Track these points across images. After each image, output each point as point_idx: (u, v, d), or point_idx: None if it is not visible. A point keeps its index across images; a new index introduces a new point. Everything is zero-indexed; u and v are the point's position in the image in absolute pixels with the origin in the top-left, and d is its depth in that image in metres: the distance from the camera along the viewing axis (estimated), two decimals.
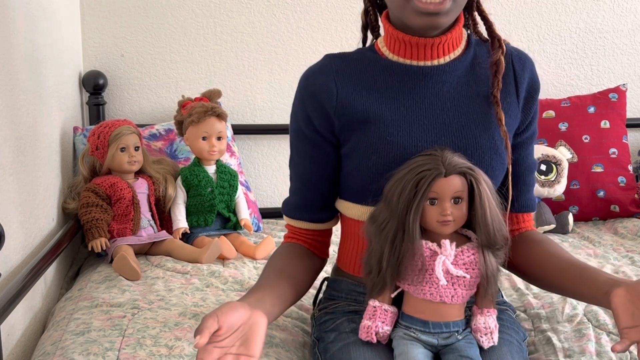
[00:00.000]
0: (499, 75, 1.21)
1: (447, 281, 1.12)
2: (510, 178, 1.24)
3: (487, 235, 1.12)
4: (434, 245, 1.12)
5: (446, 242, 1.11)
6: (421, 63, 1.21)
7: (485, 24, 1.26)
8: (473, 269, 1.13)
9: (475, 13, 1.28)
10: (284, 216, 1.34)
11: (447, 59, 1.21)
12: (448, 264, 1.11)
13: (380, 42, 1.26)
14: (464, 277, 1.12)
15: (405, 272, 1.12)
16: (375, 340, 1.16)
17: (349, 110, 1.20)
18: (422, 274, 1.12)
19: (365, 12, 1.32)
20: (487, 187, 1.12)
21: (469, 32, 1.29)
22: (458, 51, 1.23)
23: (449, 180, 1.10)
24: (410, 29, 1.18)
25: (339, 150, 1.25)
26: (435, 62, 1.21)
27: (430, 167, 1.10)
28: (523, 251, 1.28)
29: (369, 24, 1.32)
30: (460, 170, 1.11)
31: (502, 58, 1.21)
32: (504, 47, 1.23)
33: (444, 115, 1.20)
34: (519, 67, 1.24)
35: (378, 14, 1.31)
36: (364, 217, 1.19)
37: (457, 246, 1.13)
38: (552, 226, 2.20)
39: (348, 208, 1.26)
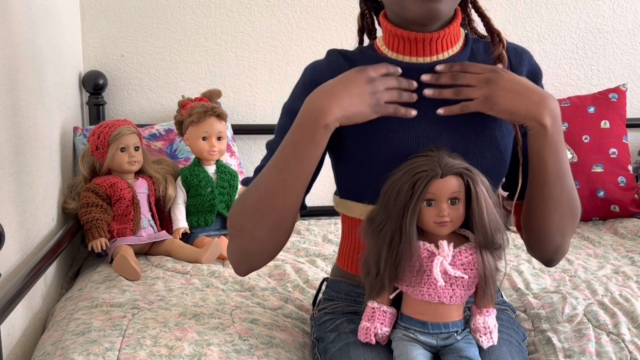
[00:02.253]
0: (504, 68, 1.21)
1: (445, 282, 1.11)
2: (520, 168, 1.23)
3: (485, 235, 1.12)
4: (431, 246, 1.12)
5: (444, 243, 1.11)
6: (420, 59, 1.21)
7: (482, 20, 1.26)
8: (471, 269, 1.13)
9: (472, 10, 1.28)
10: (244, 188, 1.25)
11: (446, 54, 1.22)
12: (446, 265, 1.11)
13: (379, 42, 1.25)
14: (462, 277, 1.12)
15: (403, 273, 1.12)
16: (374, 342, 1.16)
17: None
18: (420, 275, 1.11)
19: (362, 16, 1.32)
20: (484, 188, 1.12)
21: (466, 31, 1.29)
22: (456, 48, 1.23)
23: (445, 181, 1.10)
24: (409, 25, 1.18)
25: (332, 147, 1.23)
26: (435, 59, 1.21)
27: (426, 168, 1.09)
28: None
29: (365, 28, 1.32)
30: (456, 171, 1.10)
31: (504, 52, 1.22)
32: (504, 41, 1.23)
33: None
34: (516, 62, 1.25)
35: (374, 16, 1.31)
36: (365, 216, 1.19)
37: (455, 246, 1.13)
38: None
39: (350, 207, 1.26)
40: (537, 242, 1.28)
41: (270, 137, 2.63)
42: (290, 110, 1.23)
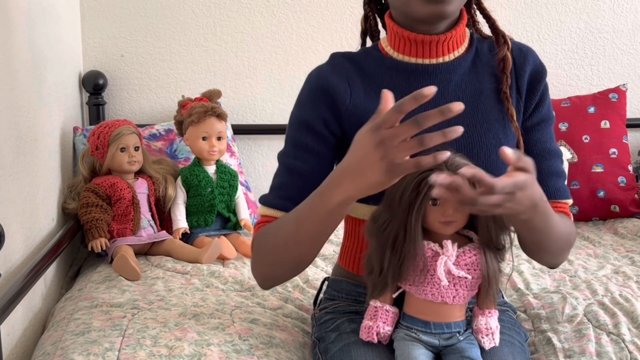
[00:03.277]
0: (507, 71, 1.21)
1: (448, 282, 1.11)
2: None
3: (489, 236, 1.12)
4: (435, 246, 1.12)
5: (448, 243, 1.11)
6: (426, 61, 1.21)
7: (487, 21, 1.25)
8: (475, 270, 1.13)
9: (477, 12, 1.27)
10: (265, 207, 1.24)
11: (452, 56, 1.21)
12: (450, 265, 1.11)
13: (384, 42, 1.25)
14: (466, 277, 1.12)
15: (406, 272, 1.12)
16: (376, 341, 1.16)
17: (360, 111, 1.19)
18: (424, 274, 1.11)
19: (365, 18, 1.31)
20: None
21: (471, 30, 1.29)
22: (462, 49, 1.23)
23: None
24: (415, 26, 1.18)
25: (339, 150, 1.23)
26: (440, 60, 1.21)
27: (432, 168, 1.09)
28: None
29: (368, 30, 1.32)
30: None
31: (509, 54, 1.21)
32: (509, 43, 1.23)
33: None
34: (520, 61, 1.24)
35: (378, 18, 1.31)
36: (368, 216, 1.18)
37: (458, 247, 1.12)
38: None
39: (353, 208, 1.25)
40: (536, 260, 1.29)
41: (270, 136, 2.64)
42: (299, 121, 1.22)
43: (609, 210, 2.31)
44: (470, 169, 0.96)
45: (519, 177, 0.99)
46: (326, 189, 1.06)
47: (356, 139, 1.01)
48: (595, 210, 2.31)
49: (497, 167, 1.20)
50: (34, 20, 1.76)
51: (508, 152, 0.97)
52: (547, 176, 1.26)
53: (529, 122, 1.26)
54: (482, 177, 0.96)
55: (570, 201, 1.29)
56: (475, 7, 1.27)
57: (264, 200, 1.25)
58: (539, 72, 1.25)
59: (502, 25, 1.28)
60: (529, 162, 1.02)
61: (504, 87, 1.21)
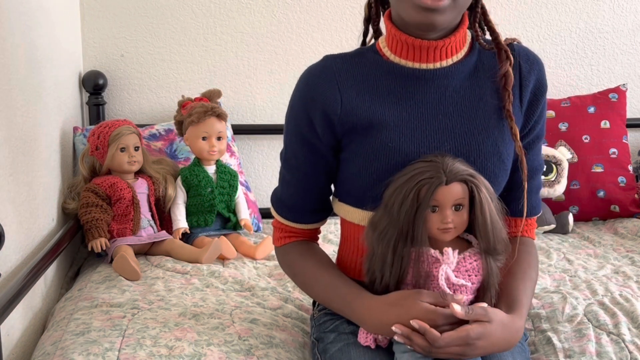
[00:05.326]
0: (509, 88, 1.17)
1: (448, 288, 1.11)
2: (525, 184, 1.22)
3: (487, 242, 1.11)
4: (436, 253, 1.11)
5: (449, 251, 1.11)
6: (423, 66, 1.18)
7: (491, 34, 1.22)
8: (475, 276, 1.12)
9: (482, 22, 1.24)
10: (279, 217, 1.31)
11: (450, 61, 1.18)
12: (449, 273, 1.11)
13: (382, 42, 1.22)
14: (465, 285, 1.12)
15: (407, 278, 1.12)
16: (374, 346, 1.16)
17: (352, 117, 1.17)
18: (424, 280, 1.11)
19: (369, 6, 1.29)
20: (487, 194, 1.11)
21: (473, 33, 1.24)
22: (461, 54, 1.19)
23: (450, 188, 1.09)
24: (412, 30, 1.16)
25: (338, 154, 1.23)
26: (438, 65, 1.18)
27: (431, 175, 1.08)
28: None
29: (371, 18, 1.29)
30: (461, 178, 1.09)
31: (511, 70, 1.18)
32: (512, 59, 1.18)
33: (447, 121, 1.17)
34: (526, 69, 1.21)
35: (380, 7, 1.28)
36: (364, 222, 1.18)
37: (458, 251, 1.12)
38: (552, 226, 2.20)
39: (348, 212, 1.25)
40: None
41: (270, 136, 2.64)
42: (294, 132, 1.23)
43: (609, 210, 2.31)
44: (417, 322, 1.07)
45: (473, 329, 1.07)
46: (342, 306, 1.21)
47: (397, 295, 1.12)
48: (595, 210, 2.31)
49: (494, 174, 1.19)
50: (34, 20, 1.76)
51: (457, 309, 1.07)
52: (529, 194, 1.27)
53: (526, 140, 1.24)
54: (426, 330, 1.07)
55: (540, 213, 1.33)
56: (480, 18, 1.23)
57: (277, 207, 1.32)
58: (543, 85, 1.23)
59: (503, 25, 1.25)
60: (481, 313, 1.09)
61: (507, 104, 1.18)
